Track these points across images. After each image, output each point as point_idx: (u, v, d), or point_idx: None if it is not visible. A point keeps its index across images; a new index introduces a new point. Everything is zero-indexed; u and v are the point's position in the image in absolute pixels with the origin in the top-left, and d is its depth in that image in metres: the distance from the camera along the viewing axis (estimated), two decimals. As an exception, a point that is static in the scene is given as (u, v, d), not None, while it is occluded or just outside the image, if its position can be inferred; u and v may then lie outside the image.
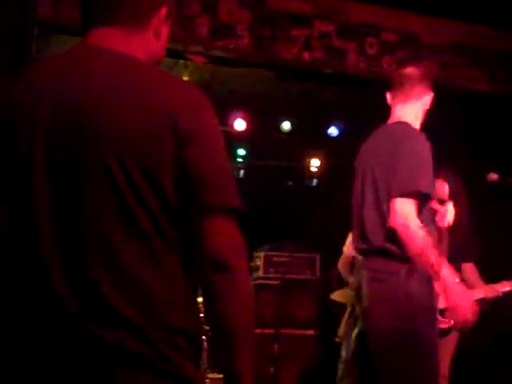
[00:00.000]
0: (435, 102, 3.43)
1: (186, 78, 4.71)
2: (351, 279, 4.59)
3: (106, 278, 1.24)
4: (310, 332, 5.70)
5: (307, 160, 6.42)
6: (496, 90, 4.52)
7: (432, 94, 2.86)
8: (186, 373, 1.28)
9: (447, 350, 3.75)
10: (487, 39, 4.46)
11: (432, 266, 2.45)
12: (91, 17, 1.41)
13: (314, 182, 6.50)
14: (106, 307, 1.24)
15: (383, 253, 2.62)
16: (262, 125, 5.64)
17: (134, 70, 1.35)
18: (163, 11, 1.43)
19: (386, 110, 3.12)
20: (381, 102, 3.14)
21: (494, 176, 3.73)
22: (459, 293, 2.48)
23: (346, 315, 4.70)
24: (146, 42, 1.41)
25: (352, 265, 4.68)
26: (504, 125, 4.77)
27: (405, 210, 2.47)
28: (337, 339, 4.72)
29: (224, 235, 1.30)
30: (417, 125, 2.80)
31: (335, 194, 5.64)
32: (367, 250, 2.73)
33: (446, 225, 2.98)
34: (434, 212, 2.91)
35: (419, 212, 2.53)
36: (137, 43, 1.39)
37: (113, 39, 1.37)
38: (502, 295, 3.68)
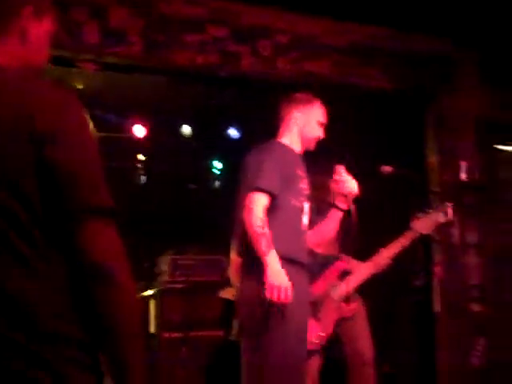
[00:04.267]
0: (333, 101, 3.54)
1: (79, 87, 4.61)
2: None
3: None
4: (220, 333, 5.72)
5: (209, 163, 6.43)
6: (389, 87, 4.69)
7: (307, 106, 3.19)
8: None
9: (358, 333, 3.91)
10: (379, 39, 4.61)
11: (261, 253, 2.80)
12: None
13: (217, 184, 6.53)
14: None
15: (247, 253, 2.95)
16: (162, 130, 5.61)
17: None
18: (27, 11, 1.34)
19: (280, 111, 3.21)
20: (277, 103, 3.21)
21: (387, 168, 3.89)
22: (277, 274, 2.78)
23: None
24: (10, 47, 1.34)
25: None
26: (399, 120, 4.98)
27: (248, 202, 2.87)
28: (231, 338, 4.78)
29: (98, 240, 1.26)
30: (291, 139, 3.18)
31: (237, 196, 5.66)
32: (240, 251, 3.12)
33: (350, 194, 3.09)
34: (300, 210, 3.07)
35: (273, 208, 2.90)
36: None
37: None
38: (390, 262, 3.85)
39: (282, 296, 2.79)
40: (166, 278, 5.76)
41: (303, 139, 3.20)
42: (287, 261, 2.89)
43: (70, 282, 1.27)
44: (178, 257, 5.81)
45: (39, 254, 1.24)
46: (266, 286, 2.80)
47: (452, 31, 4.51)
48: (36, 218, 1.24)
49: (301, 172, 3.11)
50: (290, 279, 2.82)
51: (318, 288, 3.85)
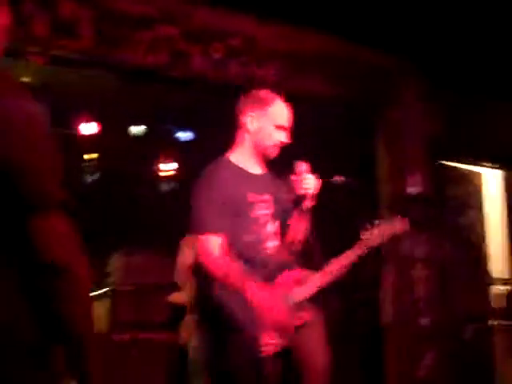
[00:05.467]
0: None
1: (26, 79, 4.49)
2: (188, 285, 4.65)
3: None
4: (168, 335, 5.68)
5: (158, 164, 6.37)
6: (334, 95, 4.70)
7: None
8: None
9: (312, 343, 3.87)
10: (327, 47, 4.62)
11: (237, 288, 2.59)
12: None
13: (167, 186, 6.46)
14: None
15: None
16: (111, 129, 5.51)
17: None
18: None
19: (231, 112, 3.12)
20: (228, 105, 3.13)
21: (339, 178, 3.88)
22: (264, 299, 2.64)
23: (186, 318, 4.75)
24: None
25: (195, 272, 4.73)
26: (350, 131, 4.99)
27: (200, 251, 2.62)
28: (180, 342, 4.75)
29: (51, 234, 1.21)
30: (243, 153, 2.81)
31: (188, 197, 5.63)
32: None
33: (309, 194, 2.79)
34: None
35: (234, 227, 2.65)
36: None
37: None
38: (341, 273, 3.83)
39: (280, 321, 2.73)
40: (115, 279, 5.71)
41: (257, 149, 2.76)
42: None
43: (22, 282, 1.22)
44: (128, 258, 5.76)
45: None
46: (258, 313, 2.65)
47: (398, 44, 4.54)
48: None
49: (253, 197, 2.72)
50: (243, 307, 2.65)
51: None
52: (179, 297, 5.01)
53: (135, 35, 3.96)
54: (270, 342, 3.58)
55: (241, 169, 2.75)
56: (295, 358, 3.89)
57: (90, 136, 5.44)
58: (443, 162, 5.15)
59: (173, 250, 5.89)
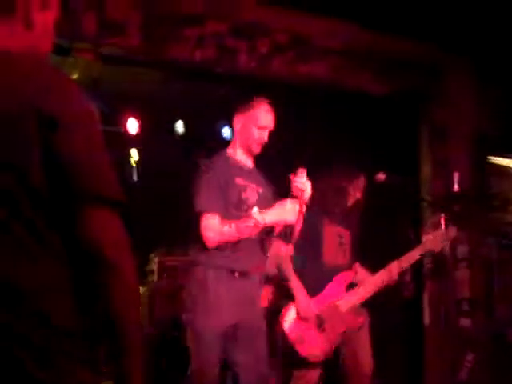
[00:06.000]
0: (325, 103, 3.50)
1: (75, 76, 4.57)
2: None
3: None
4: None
5: (202, 161, 6.37)
6: (382, 93, 4.68)
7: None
8: (75, 381, 1.22)
9: (361, 346, 3.82)
10: (375, 44, 4.60)
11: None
12: None
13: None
14: None
15: None
16: (155, 126, 5.56)
17: None
18: None
19: (277, 109, 3.17)
20: (273, 101, 3.17)
21: (381, 176, 3.85)
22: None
23: None
24: (15, 32, 1.32)
25: None
26: (394, 128, 4.95)
27: (203, 231, 3.04)
28: None
29: (104, 229, 1.24)
30: (235, 148, 3.27)
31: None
32: None
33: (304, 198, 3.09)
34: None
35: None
36: (3, 34, 1.30)
37: None
38: (396, 279, 3.82)
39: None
40: (154, 278, 5.72)
41: (243, 145, 3.22)
42: (220, 269, 3.03)
43: (72, 272, 1.25)
44: (166, 258, 5.76)
45: (41, 243, 1.22)
46: None
47: (447, 39, 4.50)
48: (39, 206, 1.21)
49: (242, 181, 3.14)
50: (223, 287, 3.00)
51: (323, 299, 3.74)
52: None
53: (183, 32, 4.01)
54: (322, 348, 3.59)
55: (234, 160, 3.22)
56: (341, 360, 3.85)
57: (135, 133, 5.49)
58: (490, 157, 5.08)
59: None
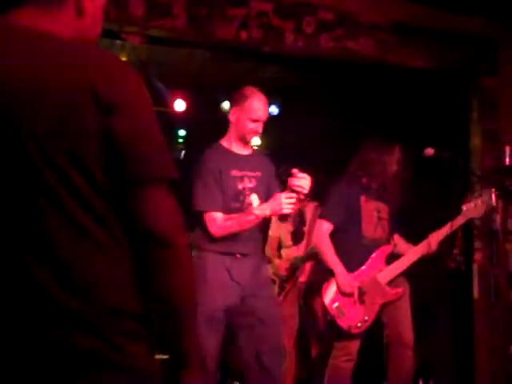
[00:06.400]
0: (373, 80, 3.47)
1: (123, 58, 4.62)
2: (277, 261, 4.76)
3: (42, 267, 1.20)
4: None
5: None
6: (432, 67, 4.61)
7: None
8: (142, 363, 1.26)
9: (401, 317, 3.89)
10: (423, 18, 4.52)
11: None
12: None
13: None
14: (48, 300, 1.20)
15: None
16: (202, 105, 5.59)
17: (50, 47, 1.27)
18: None
19: (324, 89, 3.17)
20: (319, 80, 3.17)
21: (430, 151, 3.83)
22: None
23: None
24: (67, 19, 1.34)
25: (279, 246, 4.84)
26: (443, 102, 4.88)
27: (208, 225, 3.24)
28: None
29: (161, 207, 1.27)
30: (229, 139, 3.41)
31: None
32: None
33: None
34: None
35: None
36: (56, 21, 1.32)
37: (27, 19, 1.30)
38: (435, 249, 3.86)
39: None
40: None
41: (237, 136, 3.35)
42: (222, 254, 3.19)
43: (130, 253, 1.28)
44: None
45: (100, 225, 1.25)
46: None
47: (498, 11, 4.39)
48: (97, 187, 1.24)
49: (238, 172, 3.29)
50: (221, 267, 3.16)
51: (365, 272, 3.87)
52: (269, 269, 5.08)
53: (228, 12, 4.01)
54: (363, 319, 3.67)
55: (228, 150, 3.35)
56: (382, 330, 3.93)
57: (182, 113, 5.54)
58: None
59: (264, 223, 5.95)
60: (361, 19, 4.35)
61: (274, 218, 5.00)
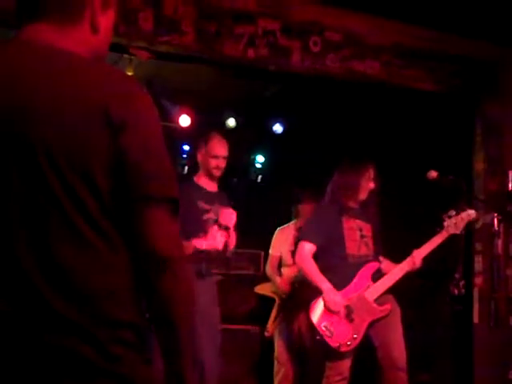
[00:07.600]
0: (377, 101, 3.49)
1: (129, 73, 4.64)
2: (278, 279, 4.77)
3: (42, 275, 1.21)
4: (255, 328, 5.72)
5: (252, 157, 6.44)
6: (436, 90, 4.63)
7: None
8: (139, 373, 1.27)
9: (393, 338, 3.88)
10: (428, 41, 4.56)
11: None
12: (21, 11, 1.36)
13: (259, 178, 6.52)
14: (45, 308, 1.20)
15: None
16: (207, 121, 5.61)
17: (67, 65, 1.30)
18: (97, 1, 1.37)
19: (330, 108, 3.18)
20: (324, 99, 3.18)
21: (433, 174, 3.85)
22: None
23: (274, 311, 4.81)
24: (83, 36, 1.36)
25: (279, 264, 4.85)
26: (447, 125, 4.90)
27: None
28: (266, 334, 4.81)
29: (163, 227, 1.28)
30: (200, 175, 4.08)
31: (278, 190, 5.69)
32: None
33: None
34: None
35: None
36: (72, 37, 1.34)
37: (43, 35, 1.32)
38: (419, 265, 3.88)
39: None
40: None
41: (206, 173, 3.96)
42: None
43: (131, 268, 1.29)
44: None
45: (102, 238, 1.26)
46: None
47: (500, 35, 4.42)
48: (102, 203, 1.25)
49: (204, 205, 3.82)
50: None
51: (351, 290, 3.90)
52: (267, 288, 5.08)
53: (236, 29, 4.04)
54: (351, 337, 3.69)
55: (199, 186, 3.95)
56: (374, 352, 3.91)
57: (187, 128, 5.57)
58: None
59: (260, 242, 5.97)
60: (367, 41, 4.39)
61: (275, 237, 5.01)
